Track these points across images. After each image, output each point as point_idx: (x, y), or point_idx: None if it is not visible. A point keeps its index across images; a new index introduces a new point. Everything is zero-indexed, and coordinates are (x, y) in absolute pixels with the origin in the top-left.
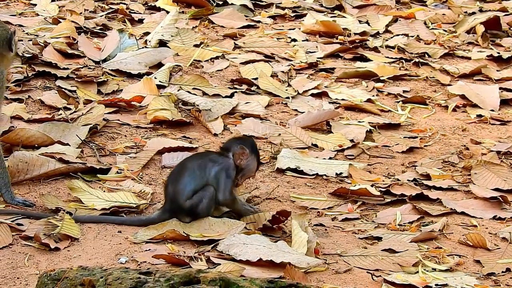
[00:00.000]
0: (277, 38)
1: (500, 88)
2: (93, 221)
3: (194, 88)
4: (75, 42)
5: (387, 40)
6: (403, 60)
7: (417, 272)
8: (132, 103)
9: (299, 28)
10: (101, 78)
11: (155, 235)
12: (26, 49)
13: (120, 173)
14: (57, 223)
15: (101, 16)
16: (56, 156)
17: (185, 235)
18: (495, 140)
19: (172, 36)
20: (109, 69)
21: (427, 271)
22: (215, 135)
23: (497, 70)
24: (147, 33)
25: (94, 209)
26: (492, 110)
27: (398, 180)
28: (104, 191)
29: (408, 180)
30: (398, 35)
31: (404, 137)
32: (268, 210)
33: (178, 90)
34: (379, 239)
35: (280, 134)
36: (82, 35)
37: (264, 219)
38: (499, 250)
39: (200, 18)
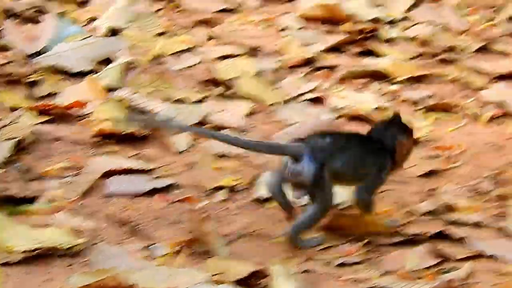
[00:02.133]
0: (264, 26)
1: None
2: None
3: (153, 91)
4: (0, 29)
5: (406, 29)
6: (426, 56)
7: None
8: (71, 110)
9: (293, 14)
10: (31, 78)
11: (91, 282)
12: None
13: (52, 203)
14: None
15: None
16: None
17: (130, 284)
18: None
19: (129, 22)
20: (43, 65)
21: None
22: (179, 153)
23: None
24: (96, 18)
25: (14, 251)
26: None
27: (412, 213)
28: (29, 228)
29: (427, 213)
30: (421, 22)
31: (423, 157)
32: (242, 255)
33: (133, 94)
34: None
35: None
36: (9, 20)
37: (235, 274)
38: None
39: None
